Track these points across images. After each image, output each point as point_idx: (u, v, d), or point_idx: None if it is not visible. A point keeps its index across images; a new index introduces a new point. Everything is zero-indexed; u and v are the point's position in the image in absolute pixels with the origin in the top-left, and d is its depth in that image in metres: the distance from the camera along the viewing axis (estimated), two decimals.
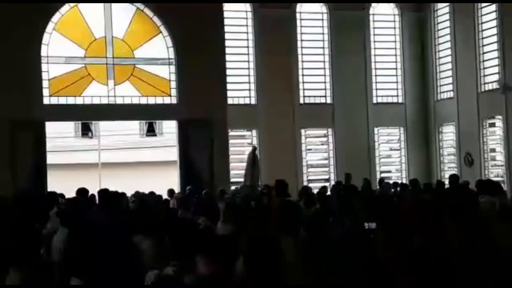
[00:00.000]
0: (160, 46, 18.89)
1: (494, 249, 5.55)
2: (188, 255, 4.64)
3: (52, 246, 7.04)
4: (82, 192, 12.32)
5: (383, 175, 21.56)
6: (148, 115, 20.25)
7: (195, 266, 4.65)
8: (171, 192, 15.35)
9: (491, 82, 19.64)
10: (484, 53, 19.97)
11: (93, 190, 12.30)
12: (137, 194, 14.16)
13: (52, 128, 20.58)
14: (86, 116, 19.97)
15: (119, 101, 18.57)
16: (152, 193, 13.63)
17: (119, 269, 5.87)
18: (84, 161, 28.19)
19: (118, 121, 21.84)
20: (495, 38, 19.43)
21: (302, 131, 21.41)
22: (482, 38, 19.97)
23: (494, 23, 19.45)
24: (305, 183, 19.73)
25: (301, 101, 21.51)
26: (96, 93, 18.46)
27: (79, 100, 18.31)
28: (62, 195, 13.45)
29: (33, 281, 5.05)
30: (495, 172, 19.94)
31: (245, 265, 4.13)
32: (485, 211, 6.76)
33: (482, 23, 19.97)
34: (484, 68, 20.01)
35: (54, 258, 6.83)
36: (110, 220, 8.74)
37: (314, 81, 21.85)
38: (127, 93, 18.67)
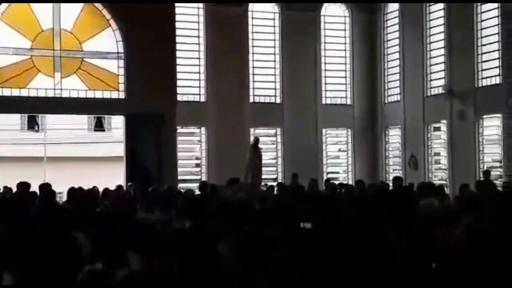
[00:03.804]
0: (109, 39, 18.63)
1: (434, 250, 5.66)
2: (121, 250, 4.57)
3: None
4: (23, 185, 12.10)
5: (330, 175, 21.75)
6: (95, 110, 19.96)
7: (127, 262, 4.59)
8: (119, 187, 15.14)
9: (437, 86, 20.01)
10: (431, 57, 20.32)
11: (38, 184, 12.11)
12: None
13: None
14: (31, 109, 19.58)
15: (65, 94, 18.25)
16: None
17: (54, 263, 5.77)
18: (29, 155, 27.69)
19: (64, 114, 21.44)
20: (442, 44, 19.79)
21: (251, 130, 21.39)
22: (430, 42, 20.33)
23: (441, 28, 19.81)
24: None
25: (252, 100, 21.51)
26: (42, 86, 18.10)
27: (24, 92, 17.92)
28: (6, 187, 13.21)
29: None
30: (439, 175, 20.31)
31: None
32: (425, 212, 6.87)
33: (430, 27, 20.32)
34: (431, 73, 20.37)
35: None
36: (50, 214, 8.58)
37: (265, 80, 21.90)
38: (74, 87, 18.36)
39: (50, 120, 27.47)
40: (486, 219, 7.12)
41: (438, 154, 20.57)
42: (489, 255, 5.78)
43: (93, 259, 5.31)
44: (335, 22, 22.74)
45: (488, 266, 5.69)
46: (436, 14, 20.13)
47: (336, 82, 22.74)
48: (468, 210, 7.34)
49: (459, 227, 6.08)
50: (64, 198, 12.77)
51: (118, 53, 18.64)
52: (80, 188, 13.11)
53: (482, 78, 18.44)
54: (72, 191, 12.70)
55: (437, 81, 20.11)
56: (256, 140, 18.63)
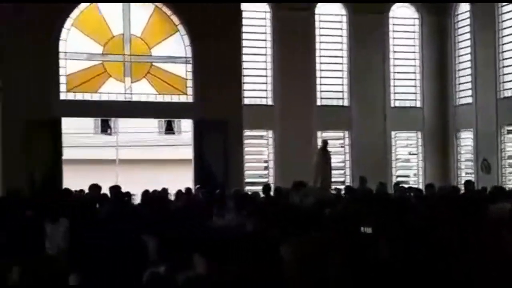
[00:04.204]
0: (178, 44, 18.91)
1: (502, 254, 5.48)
2: (184, 253, 4.62)
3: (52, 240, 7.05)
4: (94, 188, 12.38)
5: (400, 179, 21.42)
6: (164, 114, 20.29)
7: (191, 265, 4.63)
8: (187, 190, 15.32)
9: (511, 88, 19.41)
10: (504, 59, 19.74)
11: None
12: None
13: (73, 124, 20.74)
14: (102, 113, 20.06)
15: (135, 98, 18.63)
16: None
17: (123, 265, 5.88)
18: (103, 157, 28.40)
19: (134, 118, 21.88)
20: None
21: (319, 133, 21.28)
22: (502, 44, 19.76)
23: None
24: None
25: (319, 103, 21.42)
26: (112, 90, 18.52)
27: (95, 97, 18.39)
28: (82, 190, 13.56)
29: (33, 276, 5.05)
30: None
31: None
32: (496, 216, 6.67)
33: (502, 29, 19.75)
34: (504, 74, 19.78)
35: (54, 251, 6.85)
36: (120, 217, 8.75)
37: (332, 83, 21.75)
38: (143, 91, 18.73)
39: (122, 124, 28.07)
40: None
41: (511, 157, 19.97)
42: None
43: (159, 261, 5.38)
44: (405, 24, 22.39)
45: None
46: (509, 15, 19.54)
47: (406, 85, 22.38)
48: None
49: None
50: (138, 200, 13.09)
51: (186, 57, 18.89)
52: (154, 191, 13.42)
53: None
54: (145, 193, 13.00)
55: (510, 82, 19.50)
56: (325, 143, 18.30)
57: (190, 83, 18.92)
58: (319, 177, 17.25)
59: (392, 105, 21.97)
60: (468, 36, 21.17)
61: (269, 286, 4.06)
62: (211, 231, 6.40)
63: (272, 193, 13.75)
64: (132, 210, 10.28)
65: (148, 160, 29.08)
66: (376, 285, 4.33)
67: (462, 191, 14.59)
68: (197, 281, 3.58)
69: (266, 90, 21.03)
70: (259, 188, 17.63)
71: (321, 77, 21.49)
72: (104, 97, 18.43)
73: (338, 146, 21.84)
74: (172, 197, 13.79)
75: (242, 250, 5.06)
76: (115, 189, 11.77)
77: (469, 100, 21.19)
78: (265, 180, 20.50)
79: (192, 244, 5.21)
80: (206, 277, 4.04)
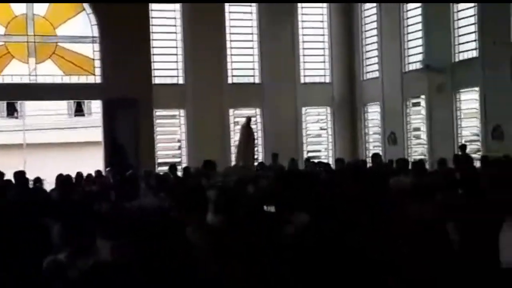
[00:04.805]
0: (84, 23, 18.41)
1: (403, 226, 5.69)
2: (89, 238, 4.52)
3: None
4: None
5: (312, 154, 21.78)
6: (72, 95, 19.78)
7: (95, 250, 4.54)
8: (98, 173, 15.07)
9: (415, 62, 20.01)
10: (408, 33, 20.31)
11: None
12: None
13: None
14: (6, 96, 19.37)
15: (40, 80, 18.06)
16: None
17: (22, 252, 5.71)
18: (9, 142, 27.46)
19: (40, 100, 21.24)
20: (419, 19, 19.76)
21: (231, 110, 21.32)
22: (407, 18, 20.32)
23: (418, 4, 19.77)
24: (232, 163, 19.68)
25: (230, 80, 21.41)
26: (16, 72, 17.90)
27: None
28: None
29: None
30: (419, 150, 20.38)
31: None
32: (394, 189, 6.89)
33: (407, 3, 20.29)
34: (408, 48, 20.37)
35: None
36: (22, 203, 8.49)
37: (243, 60, 21.78)
38: (49, 72, 18.17)
39: (29, 107, 27.21)
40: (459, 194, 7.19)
41: (418, 129, 20.60)
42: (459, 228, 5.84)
43: (61, 247, 5.25)
44: (313, 7, 22.61)
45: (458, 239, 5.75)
46: None
47: (315, 61, 22.67)
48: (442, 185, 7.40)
49: (430, 202, 6.12)
50: (47, 184, 12.78)
51: (93, 37, 18.43)
52: (63, 174, 13.07)
53: (459, 52, 18.47)
54: (57, 178, 12.68)
55: (414, 56, 20.11)
56: (249, 119, 17.74)
57: (97, 63, 18.49)
58: (241, 156, 16.93)
59: (302, 81, 22.23)
60: (374, 11, 21.61)
61: (175, 269, 4.03)
62: (120, 214, 6.30)
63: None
64: (39, 195, 10.00)
65: (58, 144, 28.31)
66: (283, 263, 4.37)
67: (370, 164, 15.02)
68: (98, 268, 3.49)
69: (177, 69, 20.81)
70: None
71: (231, 55, 21.47)
72: (8, 79, 17.77)
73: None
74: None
75: (148, 232, 5.00)
76: (19, 174, 11.44)
77: (376, 74, 21.71)
78: (178, 160, 20.39)
79: (99, 228, 5.12)
80: (109, 263, 3.95)
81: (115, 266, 3.95)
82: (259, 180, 10.02)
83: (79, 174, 13.78)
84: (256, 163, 17.22)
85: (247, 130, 17.11)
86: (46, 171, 15.00)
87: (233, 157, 20.74)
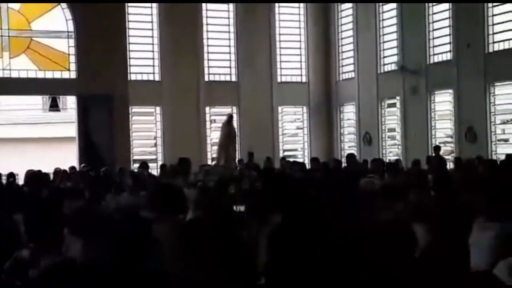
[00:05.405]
0: (59, 18, 18.25)
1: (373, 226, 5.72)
2: (56, 235, 4.47)
3: None
4: None
5: (288, 153, 21.84)
6: (46, 90, 19.61)
7: (62, 247, 4.50)
8: (71, 169, 14.95)
9: (390, 63, 20.14)
10: (384, 34, 20.42)
11: None
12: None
13: None
14: None
15: (15, 74, 17.86)
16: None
17: None
18: None
19: (14, 95, 21.01)
20: (394, 21, 19.88)
21: (207, 108, 21.28)
22: (383, 19, 20.42)
23: (394, 5, 19.87)
24: (208, 161, 19.69)
25: (207, 78, 21.37)
26: None
27: None
28: None
29: None
30: (394, 151, 20.52)
31: None
32: (364, 190, 6.93)
33: (382, 5, 20.40)
34: (384, 50, 20.49)
35: None
36: None
37: (220, 58, 21.76)
38: (23, 67, 17.98)
39: (3, 102, 26.89)
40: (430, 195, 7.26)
41: (393, 130, 20.74)
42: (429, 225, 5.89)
43: (27, 244, 5.20)
44: (290, 6, 22.65)
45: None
46: None
47: (291, 60, 22.73)
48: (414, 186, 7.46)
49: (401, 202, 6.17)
50: (21, 180, 12.66)
51: (68, 32, 18.27)
52: (34, 170, 12.95)
53: (434, 54, 18.64)
54: (28, 174, 12.56)
55: (390, 57, 20.25)
56: (230, 117, 17.39)
57: (72, 59, 18.33)
58: (223, 154, 16.46)
59: (279, 80, 22.27)
60: (350, 12, 21.71)
61: (144, 269, 4.01)
62: (91, 212, 6.24)
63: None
64: (11, 191, 9.91)
65: (32, 139, 28.01)
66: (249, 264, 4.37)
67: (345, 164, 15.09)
68: (61, 266, 3.44)
69: (153, 66, 20.70)
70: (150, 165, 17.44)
71: (208, 53, 21.43)
72: None
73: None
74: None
75: (117, 230, 4.97)
76: None
77: (352, 75, 21.82)
78: (153, 157, 20.31)
79: (68, 225, 5.08)
80: (74, 261, 3.90)
81: (76, 264, 3.91)
82: (241, 180, 10.01)
83: (57, 170, 13.73)
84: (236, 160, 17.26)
85: (228, 128, 16.85)
86: (20, 166, 14.85)
87: (209, 155, 20.77)
